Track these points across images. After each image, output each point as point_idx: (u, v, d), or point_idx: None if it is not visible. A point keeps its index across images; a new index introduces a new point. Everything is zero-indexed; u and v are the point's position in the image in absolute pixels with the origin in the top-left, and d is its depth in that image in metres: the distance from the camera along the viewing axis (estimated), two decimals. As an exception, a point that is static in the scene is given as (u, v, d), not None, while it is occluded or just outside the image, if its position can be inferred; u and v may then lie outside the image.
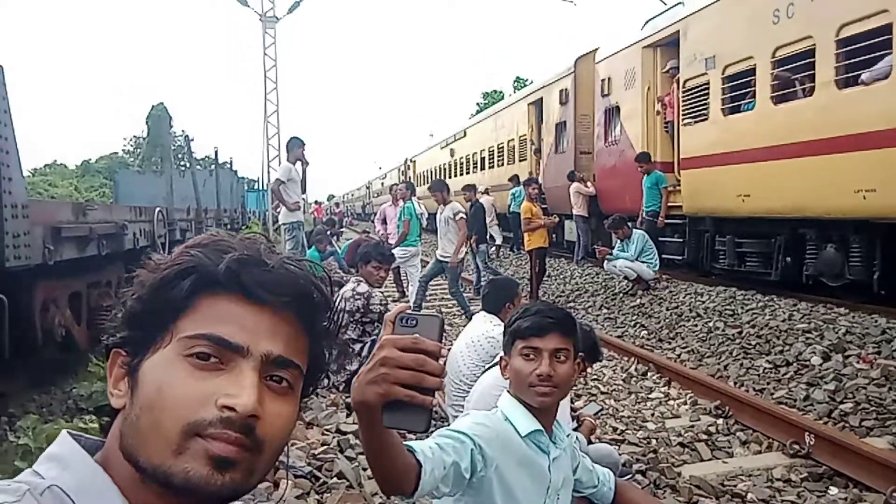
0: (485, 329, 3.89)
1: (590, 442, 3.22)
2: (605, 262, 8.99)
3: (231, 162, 22.14)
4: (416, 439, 1.37)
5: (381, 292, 4.48)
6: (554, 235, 13.35)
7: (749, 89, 7.74)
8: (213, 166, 18.61)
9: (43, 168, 50.62)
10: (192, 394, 0.68)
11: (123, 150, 55.09)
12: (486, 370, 3.35)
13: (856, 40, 6.21)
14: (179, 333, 0.71)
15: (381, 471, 1.13)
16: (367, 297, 4.24)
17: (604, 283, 9.97)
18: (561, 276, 11.52)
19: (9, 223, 4.93)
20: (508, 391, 1.84)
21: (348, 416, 3.62)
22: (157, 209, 9.57)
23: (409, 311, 0.94)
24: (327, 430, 3.28)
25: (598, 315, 8.54)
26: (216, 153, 18.81)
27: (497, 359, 3.42)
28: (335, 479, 2.65)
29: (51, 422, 3.44)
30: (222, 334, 0.71)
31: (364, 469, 2.94)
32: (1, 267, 4.86)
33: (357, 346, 4.26)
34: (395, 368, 0.87)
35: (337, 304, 0.82)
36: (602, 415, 4.54)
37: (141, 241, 8.52)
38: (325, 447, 2.97)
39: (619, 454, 3.76)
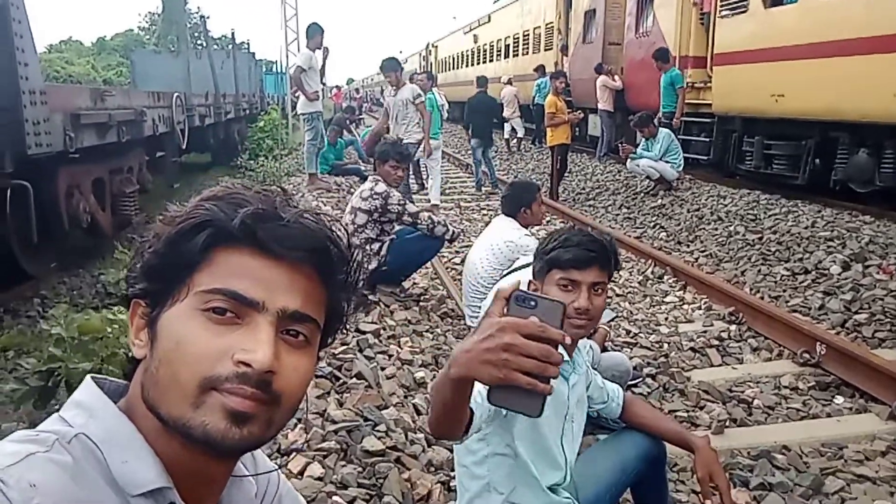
0: (503, 234, 3.89)
1: (603, 349, 3.29)
2: (629, 160, 8.83)
3: (248, 44, 21.50)
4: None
5: (399, 191, 4.46)
6: (577, 130, 13.08)
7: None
8: (230, 47, 18.16)
9: (59, 44, 49.56)
10: (208, 348, 0.69)
11: (139, 28, 53.64)
12: (504, 275, 3.38)
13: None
14: (196, 287, 0.71)
15: (446, 425, 1.13)
16: (386, 197, 4.22)
17: (625, 182, 9.85)
18: (582, 173, 11.38)
19: (28, 110, 4.90)
20: None
21: (366, 314, 3.71)
22: (176, 95, 9.45)
23: (526, 292, 0.90)
24: (347, 329, 3.37)
25: (617, 215, 8.50)
26: (233, 34, 18.30)
27: (514, 264, 3.46)
28: (354, 380, 2.75)
29: (82, 311, 3.56)
30: (238, 289, 0.70)
31: (382, 369, 3.05)
32: (23, 154, 4.88)
33: (376, 245, 4.29)
34: (518, 356, 0.83)
35: (354, 258, 0.80)
36: (617, 318, 4.62)
37: (160, 127, 8.49)
38: (345, 347, 3.06)
39: (631, 358, 3.86)
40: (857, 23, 6.35)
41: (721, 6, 8.55)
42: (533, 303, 0.88)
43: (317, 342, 0.78)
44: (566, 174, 10.41)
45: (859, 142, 6.83)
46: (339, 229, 0.79)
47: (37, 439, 0.65)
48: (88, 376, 0.75)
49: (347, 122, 13.39)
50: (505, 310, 0.88)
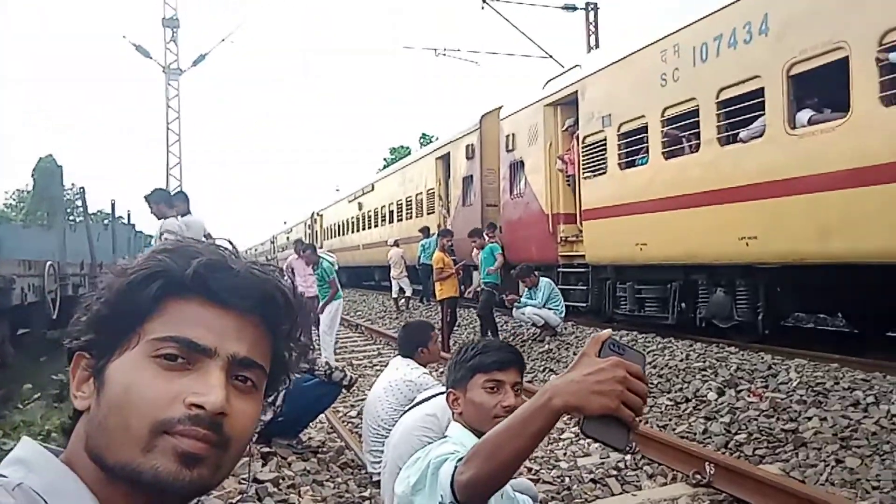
0: (403, 373, 3.92)
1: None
2: (514, 309, 9.22)
3: (129, 215, 21.20)
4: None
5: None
6: (462, 287, 13.57)
7: (643, 145, 8.32)
8: (106, 220, 17.82)
9: (-87, 224, 46.54)
10: (160, 393, 0.70)
11: (5, 204, 51.75)
12: (405, 413, 3.37)
13: (733, 102, 6.86)
14: (147, 336, 0.73)
15: (504, 477, 1.19)
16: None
17: (512, 331, 10.19)
18: (471, 326, 11.66)
19: None
20: (459, 422, 1.91)
21: (263, 465, 3.53)
22: (49, 263, 9.06)
23: (618, 340, 1.05)
24: (243, 479, 3.19)
25: (508, 362, 8.69)
26: (113, 206, 18.02)
27: (415, 402, 3.47)
28: (255, 527, 2.58)
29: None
30: (191, 337, 0.73)
31: (283, 517, 2.88)
32: None
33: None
34: (626, 391, 0.97)
35: (298, 316, 0.85)
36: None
37: (30, 296, 8.04)
38: (242, 496, 2.89)
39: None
40: (700, 179, 7.29)
41: (583, 169, 9.55)
42: (622, 350, 1.03)
43: (262, 389, 0.81)
44: (455, 327, 10.63)
45: (716, 282, 7.57)
46: (287, 282, 0.84)
47: None
48: (25, 436, 0.74)
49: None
50: (598, 353, 1.02)
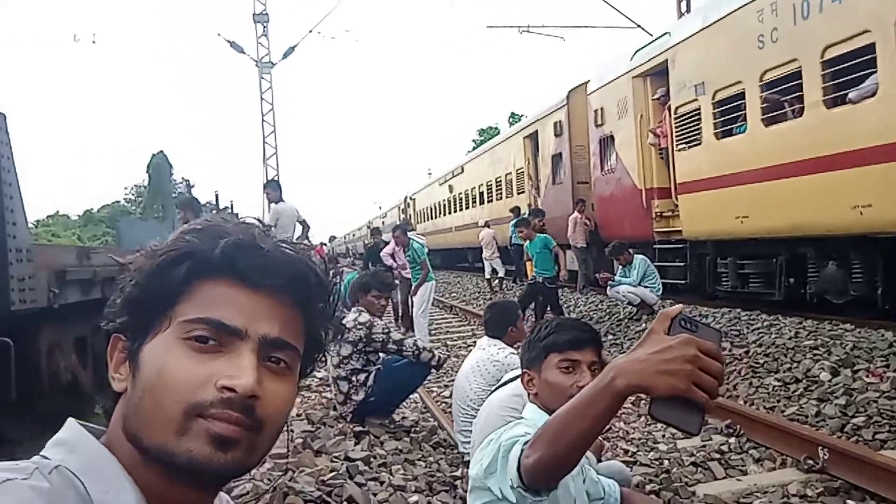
0: (489, 353, 3.89)
1: (599, 460, 3.19)
2: (608, 288, 9.00)
3: (232, 205, 22.27)
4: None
5: (383, 320, 4.48)
6: (556, 266, 13.37)
7: (740, 112, 7.85)
8: (213, 211, 18.79)
9: (45, 219, 50.82)
10: (192, 376, 0.70)
11: (125, 199, 55.42)
12: (492, 392, 3.34)
13: (840, 61, 6.33)
14: (178, 318, 0.72)
15: (570, 460, 1.14)
16: (370, 327, 4.23)
17: (608, 311, 9.96)
18: (565, 306, 11.49)
19: (13, 267, 4.96)
20: (535, 403, 1.86)
21: (356, 444, 3.60)
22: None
23: (690, 316, 0.96)
24: (336, 457, 3.27)
25: (603, 341, 8.48)
26: (216, 197, 18.99)
27: (502, 381, 3.43)
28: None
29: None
30: (221, 318, 0.72)
31: (374, 494, 2.92)
32: (6, 310, 4.88)
33: (362, 376, 4.24)
34: (697, 370, 0.89)
35: (332, 286, 0.82)
36: (612, 437, 4.51)
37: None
38: (335, 473, 2.95)
39: (633, 475, 3.73)
40: (806, 145, 6.79)
41: (677, 141, 9.14)
42: (695, 327, 0.95)
43: (297, 370, 0.79)
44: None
45: (827, 255, 7.06)
46: (317, 259, 0.81)
47: (16, 468, 0.64)
48: (70, 418, 0.75)
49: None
50: (668, 330, 0.94)
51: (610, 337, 8.60)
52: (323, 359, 0.86)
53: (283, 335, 0.75)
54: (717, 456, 4.24)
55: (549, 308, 9.31)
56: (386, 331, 4.31)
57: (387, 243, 11.54)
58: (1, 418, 5.48)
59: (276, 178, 9.16)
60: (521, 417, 3.00)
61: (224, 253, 0.74)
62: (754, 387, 5.46)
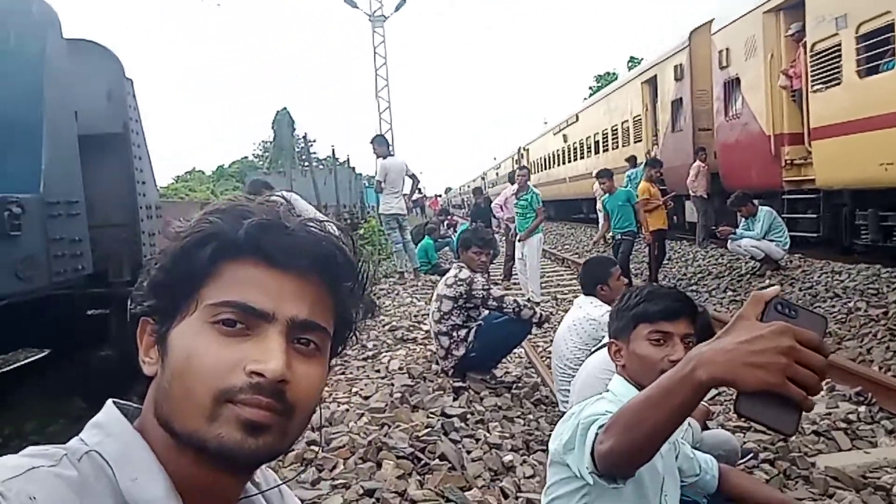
0: (585, 312, 3.78)
1: (704, 427, 3.03)
2: (729, 242, 8.49)
3: (349, 159, 22.90)
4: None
5: (483, 276, 4.44)
6: (674, 218, 12.80)
7: (888, 47, 7.00)
8: (333, 165, 19.41)
9: (184, 175, 54.64)
10: (220, 361, 0.68)
11: (253, 155, 58.53)
12: (591, 354, 3.24)
13: None
14: (204, 301, 0.71)
15: (646, 451, 1.06)
16: (470, 283, 4.21)
17: (729, 265, 9.43)
18: (682, 259, 11.01)
19: (144, 223, 5.36)
20: (622, 376, 1.74)
21: (454, 399, 3.62)
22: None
23: (788, 300, 0.85)
24: (432, 412, 3.30)
25: (722, 298, 8.08)
26: (333, 151, 19.59)
27: (601, 342, 3.31)
28: (437, 461, 2.65)
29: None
30: (247, 301, 0.70)
31: (468, 452, 2.93)
32: (140, 264, 5.29)
33: (463, 332, 4.25)
34: (794, 363, 0.78)
35: (361, 265, 0.79)
36: (724, 401, 4.28)
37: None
38: (429, 429, 2.98)
39: (744, 443, 3.53)
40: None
41: (812, 81, 8.33)
42: (794, 312, 0.83)
43: (327, 351, 0.77)
44: (665, 261, 10.10)
45: None
46: (345, 237, 0.78)
47: (45, 454, 0.65)
48: (110, 399, 0.75)
49: (444, 222, 13.83)
50: (761, 316, 0.83)
51: (729, 293, 8.15)
52: (355, 338, 0.82)
53: (312, 316, 0.73)
54: (844, 425, 3.93)
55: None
56: (486, 287, 4.27)
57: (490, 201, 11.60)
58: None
59: (381, 134, 9.24)
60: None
61: (248, 233, 0.71)
62: (892, 351, 4.99)
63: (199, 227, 0.73)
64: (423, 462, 2.63)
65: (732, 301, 7.81)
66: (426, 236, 11.62)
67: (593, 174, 16.68)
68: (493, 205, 12.00)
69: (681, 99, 12.99)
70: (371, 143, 9.12)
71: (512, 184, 11.06)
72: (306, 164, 23.77)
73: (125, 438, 0.70)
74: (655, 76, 14.43)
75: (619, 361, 1.75)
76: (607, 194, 8.92)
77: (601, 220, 15.51)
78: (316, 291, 0.74)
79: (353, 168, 24.03)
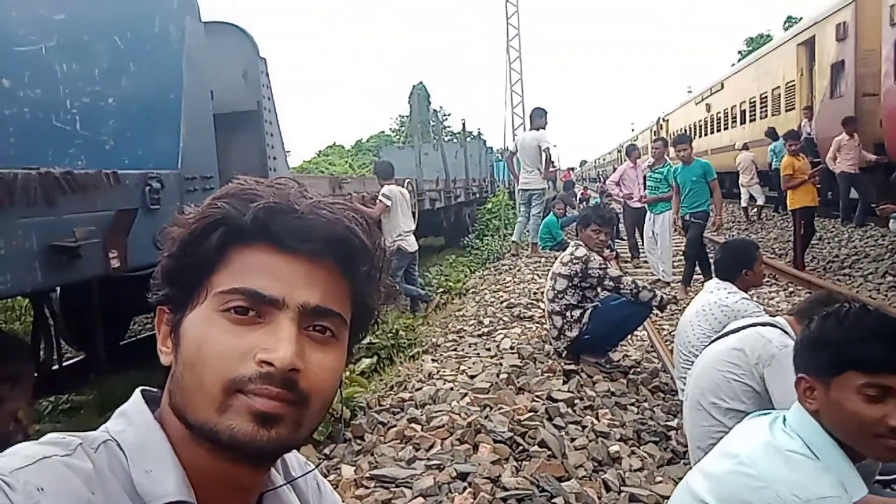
0: (718, 297, 3.50)
1: None
2: (892, 221, 7.61)
3: (479, 132, 22.91)
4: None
5: (601, 256, 4.25)
6: (828, 193, 11.70)
7: None
8: (465, 139, 19.47)
9: (325, 149, 57.21)
10: (230, 350, 0.66)
11: (390, 129, 60.17)
12: (714, 340, 3.01)
13: None
14: (214, 288, 0.69)
15: None
16: (585, 261, 4.05)
17: (890, 247, 8.48)
18: (835, 239, 10.05)
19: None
20: (815, 420, 1.42)
21: (564, 383, 3.51)
22: (406, 180, 10.27)
23: None
24: (538, 396, 3.21)
25: (880, 284, 7.29)
26: (463, 125, 19.64)
27: (726, 328, 3.06)
28: (536, 448, 2.57)
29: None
30: (257, 287, 0.67)
31: (572, 440, 2.82)
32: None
33: (577, 312, 4.11)
34: None
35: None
36: None
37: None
38: (532, 414, 2.90)
39: None
40: None
41: None
42: None
43: (345, 337, 0.73)
44: (815, 241, 9.25)
45: None
46: (360, 219, 0.73)
47: (60, 443, 0.65)
48: (139, 388, 0.75)
49: (572, 196, 13.50)
50: None
51: (889, 278, 7.34)
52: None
53: (325, 302, 0.70)
54: None
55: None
56: (603, 266, 4.09)
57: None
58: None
59: (540, 106, 9.20)
60: (743, 375, 2.66)
61: (256, 217, 0.69)
62: None
63: (206, 212, 0.71)
64: (520, 448, 2.56)
65: (892, 287, 7.02)
66: (550, 212, 11.42)
67: (736, 146, 15.63)
68: (608, 181, 11.52)
69: (843, 62, 11.74)
70: (531, 115, 9.28)
71: (628, 157, 10.60)
72: (436, 137, 24.02)
73: (144, 429, 0.69)
74: (814, 36, 13.13)
75: (809, 405, 1.45)
76: (681, 164, 7.78)
77: (743, 195, 14.50)
78: (329, 276, 0.71)
79: (485, 141, 24.01)
